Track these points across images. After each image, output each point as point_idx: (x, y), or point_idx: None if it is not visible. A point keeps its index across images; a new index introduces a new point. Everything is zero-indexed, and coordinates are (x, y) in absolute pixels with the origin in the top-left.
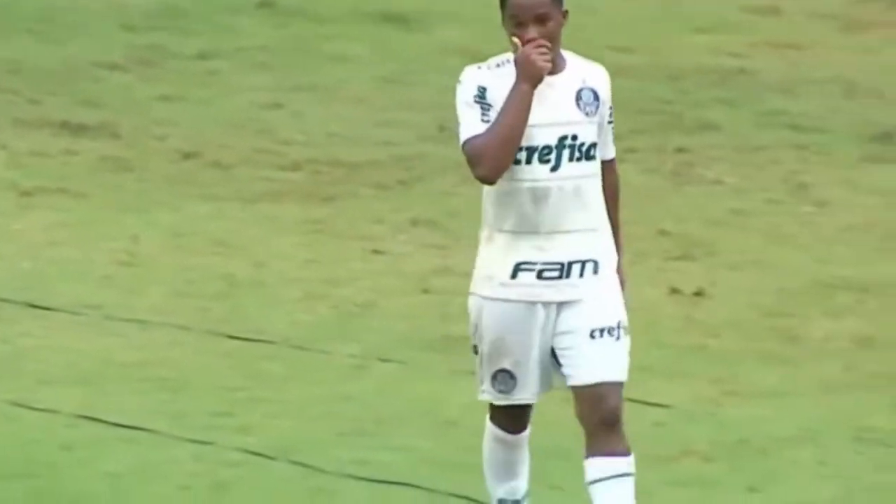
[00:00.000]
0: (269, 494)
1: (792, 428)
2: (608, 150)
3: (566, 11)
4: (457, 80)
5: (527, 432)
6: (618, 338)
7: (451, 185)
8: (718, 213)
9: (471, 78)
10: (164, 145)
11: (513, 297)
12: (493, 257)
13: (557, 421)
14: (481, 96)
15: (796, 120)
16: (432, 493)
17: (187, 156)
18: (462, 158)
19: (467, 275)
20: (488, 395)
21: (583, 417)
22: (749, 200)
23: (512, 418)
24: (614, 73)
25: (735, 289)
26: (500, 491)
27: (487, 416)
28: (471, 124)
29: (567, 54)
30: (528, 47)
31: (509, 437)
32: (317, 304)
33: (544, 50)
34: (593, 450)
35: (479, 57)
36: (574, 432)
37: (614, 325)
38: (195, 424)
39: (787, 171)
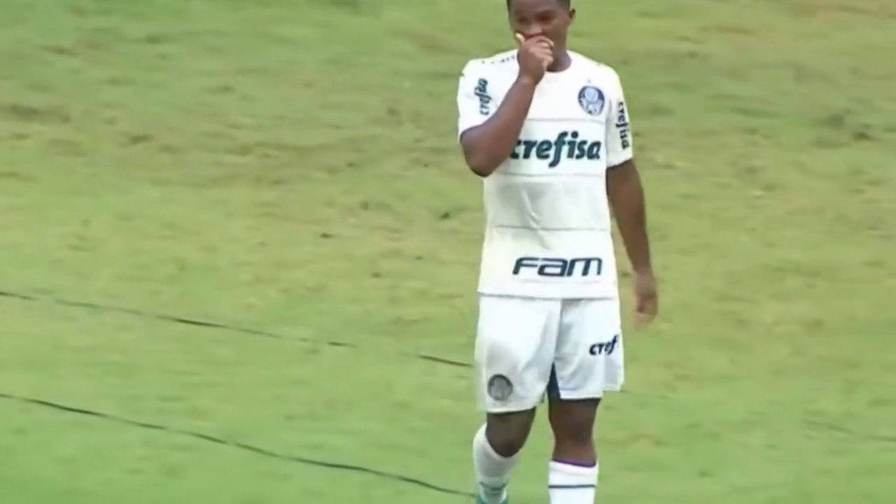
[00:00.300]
0: (219, 478)
1: (742, 412)
2: (619, 154)
3: (573, 11)
4: (460, 74)
5: (517, 455)
6: (610, 352)
7: (401, 168)
8: (669, 197)
9: (473, 71)
10: (114, 129)
11: (515, 292)
12: (495, 254)
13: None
14: (481, 88)
15: (746, 104)
16: (382, 476)
17: (137, 139)
18: (411, 141)
19: (418, 258)
20: (485, 403)
21: (555, 424)
22: (699, 185)
23: (506, 435)
24: None
25: (686, 273)
26: (483, 478)
27: (483, 428)
28: (469, 116)
29: (575, 55)
30: (529, 41)
31: (498, 458)
32: (267, 288)
33: (545, 45)
34: (560, 455)
35: (427, 40)
36: None
37: (610, 339)
38: (146, 408)
39: (736, 154)
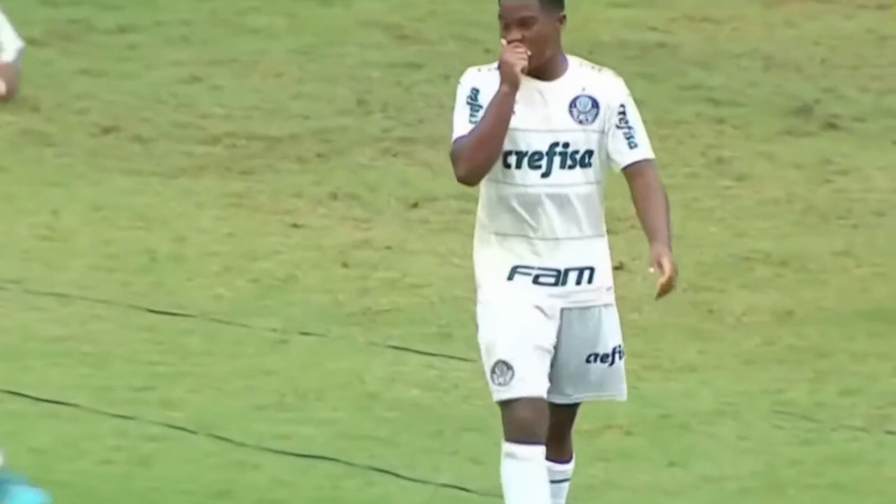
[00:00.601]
0: (190, 468)
1: (712, 402)
2: (627, 155)
3: (563, 16)
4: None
5: (539, 451)
6: (611, 363)
7: (370, 159)
8: None
9: (467, 79)
10: (84, 119)
11: (510, 298)
12: (491, 259)
13: (473, 393)
14: (473, 98)
15: (715, 94)
16: (352, 466)
17: (107, 130)
18: (380, 131)
19: (387, 248)
20: (492, 392)
21: None
22: (668, 175)
23: (519, 418)
24: None
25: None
26: None
27: (502, 440)
28: (459, 126)
29: (574, 60)
30: (506, 48)
31: (521, 449)
32: (237, 279)
33: (521, 51)
34: None
35: (396, 30)
36: (490, 405)
37: (609, 351)
38: (117, 399)
39: (705, 144)
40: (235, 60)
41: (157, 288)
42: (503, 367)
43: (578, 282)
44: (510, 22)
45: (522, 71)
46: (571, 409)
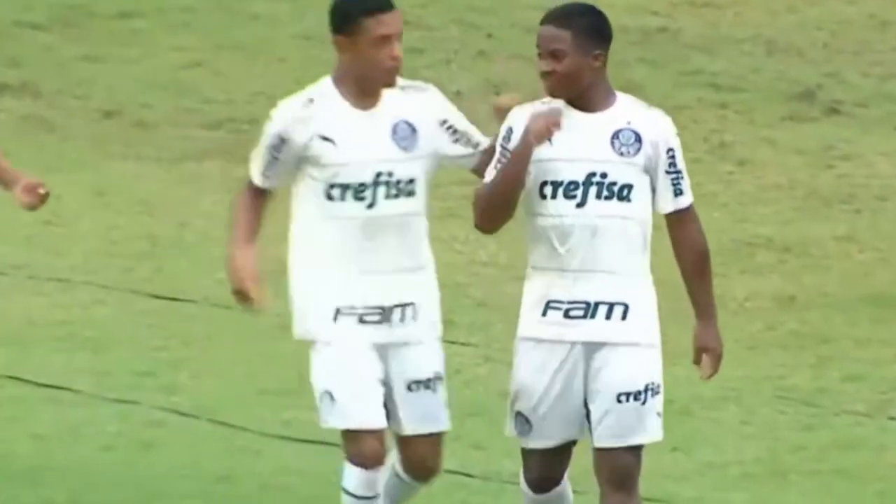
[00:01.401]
0: (192, 454)
1: (715, 388)
2: (670, 203)
3: (599, 55)
4: None
5: (556, 492)
6: (644, 402)
7: None
8: None
9: (510, 117)
10: (86, 105)
11: (543, 335)
12: (529, 295)
13: (476, 378)
14: (507, 139)
15: (717, 79)
16: None
17: (109, 115)
18: None
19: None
20: (510, 429)
21: (595, 472)
22: None
23: (532, 471)
24: (535, 31)
25: (657, 248)
26: None
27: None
28: (489, 170)
29: (624, 97)
30: (548, 113)
31: (532, 495)
32: None
33: (556, 121)
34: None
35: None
36: (495, 390)
37: (641, 388)
38: (119, 384)
39: (708, 130)
40: (238, 46)
41: (159, 273)
42: (522, 419)
43: (609, 316)
44: (543, 52)
45: (549, 138)
46: (627, 455)
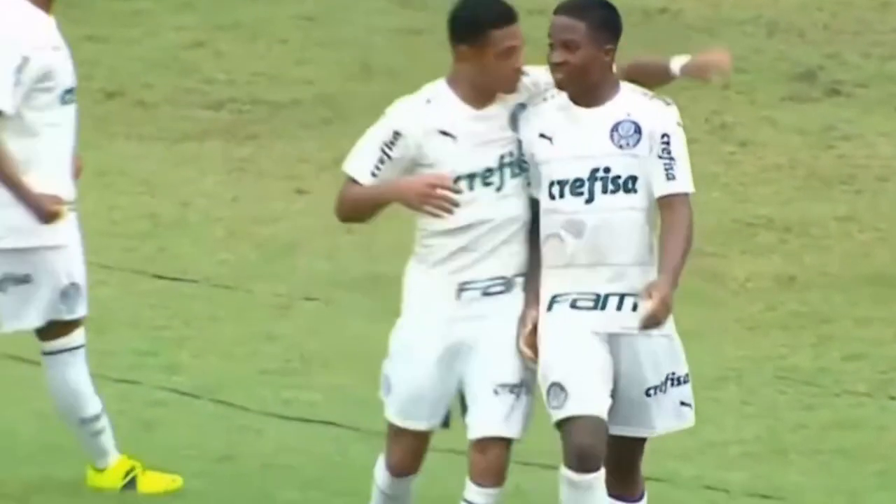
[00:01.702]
0: (194, 433)
1: (715, 368)
2: (661, 186)
3: (611, 49)
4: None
5: (597, 477)
6: (665, 391)
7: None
8: None
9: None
10: (88, 85)
11: (554, 324)
12: (543, 293)
13: None
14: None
15: None
16: (356, 431)
17: (111, 95)
18: (385, 97)
19: (391, 214)
20: (549, 414)
21: (605, 459)
22: None
23: (576, 441)
24: (536, 12)
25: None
26: None
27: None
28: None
29: (627, 87)
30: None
31: (575, 476)
32: (241, 244)
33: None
34: (608, 489)
35: None
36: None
37: (661, 381)
38: (121, 364)
39: (709, 111)
40: (239, 26)
41: (161, 253)
42: (557, 388)
43: (619, 307)
44: (555, 42)
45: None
46: (635, 444)
